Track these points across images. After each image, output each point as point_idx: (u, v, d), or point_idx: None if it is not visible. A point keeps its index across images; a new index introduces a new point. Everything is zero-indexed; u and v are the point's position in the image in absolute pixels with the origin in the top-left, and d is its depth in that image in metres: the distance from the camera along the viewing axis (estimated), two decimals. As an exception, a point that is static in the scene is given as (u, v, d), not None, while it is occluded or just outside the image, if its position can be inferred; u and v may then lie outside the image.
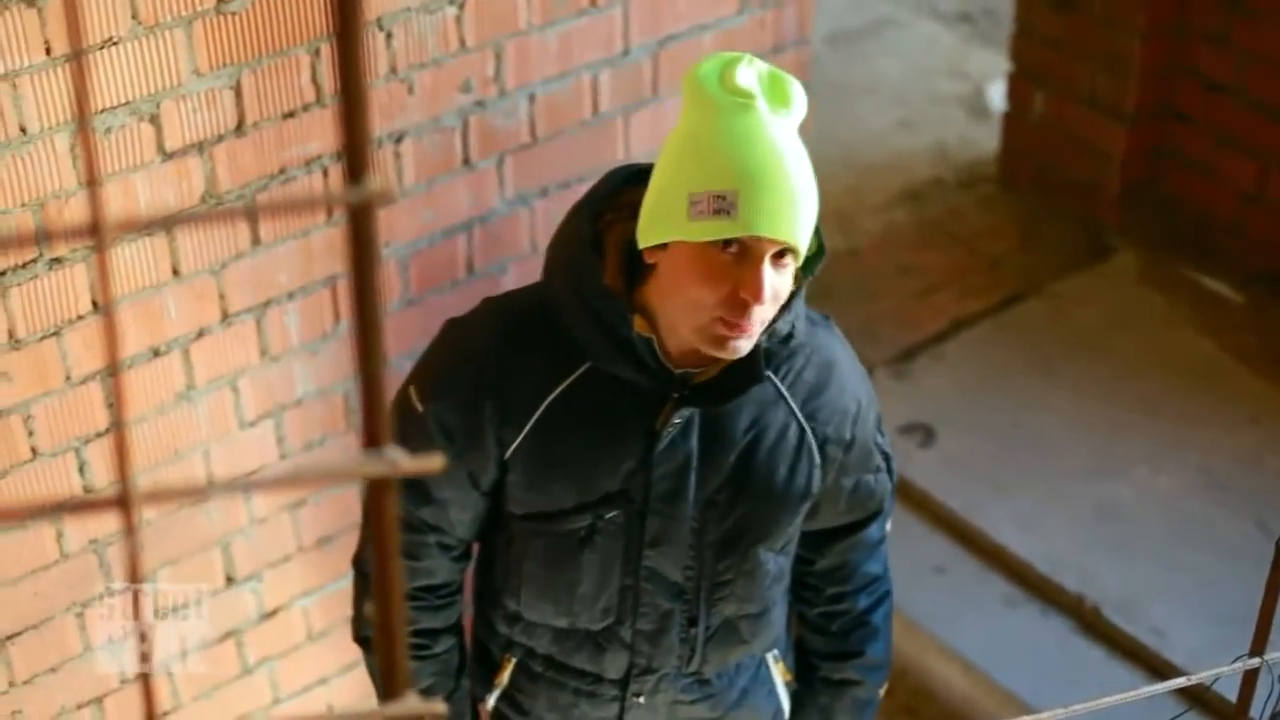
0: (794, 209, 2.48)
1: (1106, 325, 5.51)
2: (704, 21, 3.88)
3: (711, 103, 2.52)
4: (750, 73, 2.52)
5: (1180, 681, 2.25)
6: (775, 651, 3.12)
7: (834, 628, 3.12)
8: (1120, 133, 5.79)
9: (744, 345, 2.58)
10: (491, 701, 3.12)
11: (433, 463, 1.02)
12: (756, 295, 2.49)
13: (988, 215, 6.13)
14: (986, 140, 6.50)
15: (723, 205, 2.47)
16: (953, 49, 7.40)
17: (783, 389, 2.78)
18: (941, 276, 5.79)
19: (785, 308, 2.64)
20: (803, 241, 2.52)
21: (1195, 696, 3.83)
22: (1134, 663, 4.45)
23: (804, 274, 2.67)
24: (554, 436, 2.75)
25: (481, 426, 2.76)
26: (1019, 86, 6.12)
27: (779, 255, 2.51)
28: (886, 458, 2.99)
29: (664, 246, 2.56)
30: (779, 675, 3.13)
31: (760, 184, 2.47)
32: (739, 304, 2.51)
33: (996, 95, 6.65)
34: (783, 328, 2.66)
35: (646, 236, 2.58)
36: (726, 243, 2.49)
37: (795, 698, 3.20)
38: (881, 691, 3.20)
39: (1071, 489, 4.91)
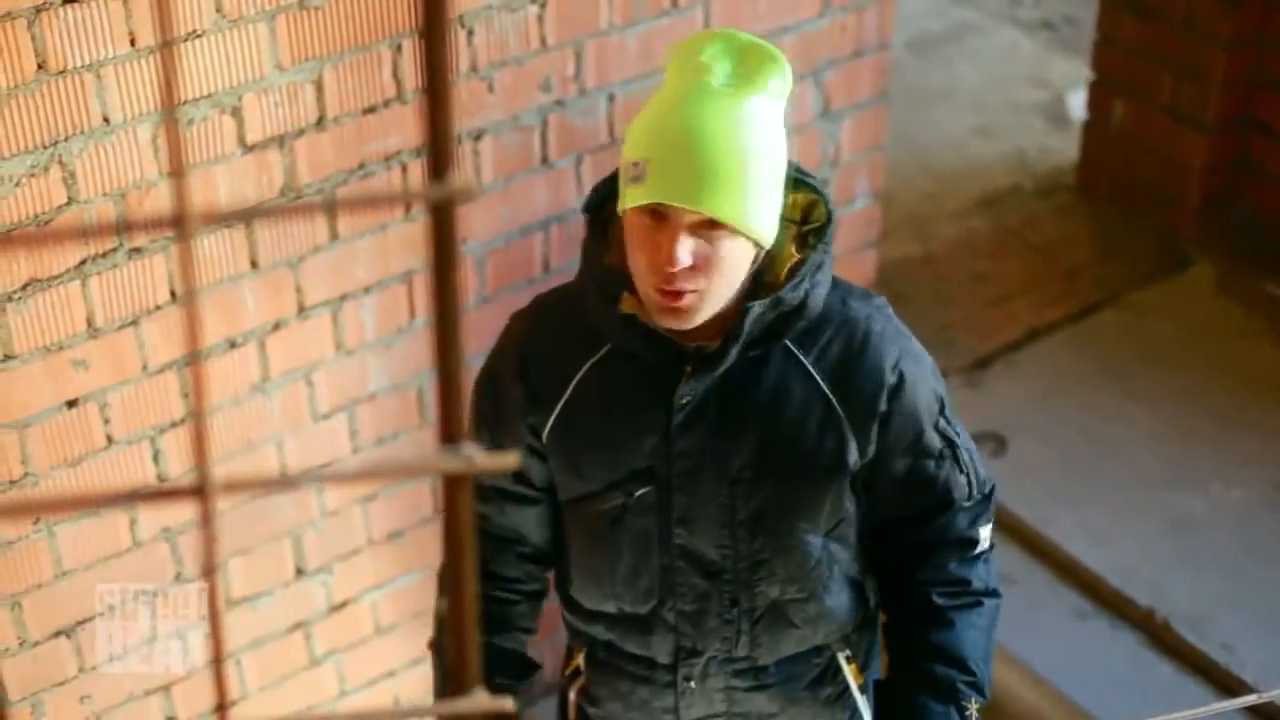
0: (712, 178, 2.50)
1: (1183, 337, 5.47)
2: (785, 24, 3.88)
3: (672, 76, 2.58)
4: (717, 48, 2.55)
5: (1251, 699, 2.24)
6: (848, 652, 3.04)
7: (912, 613, 2.95)
8: (1201, 143, 5.74)
9: (688, 317, 2.61)
10: (573, 695, 3.15)
11: (509, 459, 1.02)
12: (668, 260, 2.53)
13: (1065, 224, 6.09)
14: (1066, 149, 6.46)
15: (637, 172, 2.54)
16: (1033, 56, 7.36)
17: (806, 362, 2.74)
18: (1017, 285, 5.76)
19: (792, 276, 2.65)
20: (729, 213, 2.52)
21: (1266, 714, 3.80)
22: (1204, 678, 4.41)
23: (816, 241, 2.69)
24: (581, 417, 2.80)
25: (513, 414, 2.84)
26: (1099, 95, 6.08)
27: (708, 225, 2.54)
28: (952, 446, 2.86)
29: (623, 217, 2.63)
30: (851, 677, 3.03)
31: (672, 151, 2.51)
32: (660, 270, 2.55)
33: (1076, 103, 6.61)
34: (791, 298, 2.65)
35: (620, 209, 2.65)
36: (651, 210, 2.54)
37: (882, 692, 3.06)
38: (973, 705, 2.94)
39: (1144, 501, 4.87)
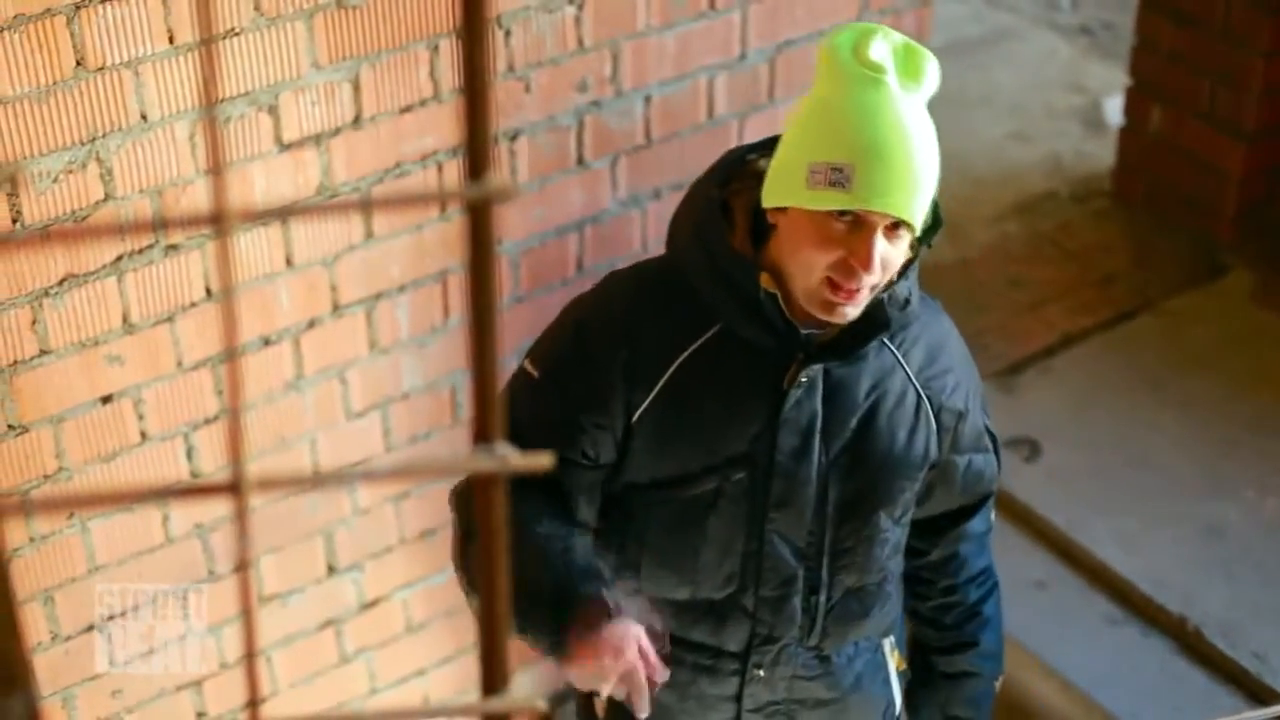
0: (910, 185, 2.55)
1: (1218, 345, 5.45)
2: (822, 27, 3.87)
3: (842, 73, 2.59)
4: (884, 46, 2.58)
5: (1283, 708, 2.23)
6: (891, 639, 3.15)
7: (948, 620, 3.17)
8: (1239, 150, 5.71)
9: (851, 311, 2.65)
10: None
11: (542, 460, 1.02)
12: (866, 265, 2.57)
13: (1101, 230, 6.07)
14: (1102, 154, 6.44)
15: (839, 178, 2.55)
16: (1071, 62, 7.34)
17: (899, 356, 2.84)
18: (1052, 290, 5.74)
19: (902, 275, 2.71)
20: (918, 216, 2.58)
21: (1297, 723, 3.78)
22: (1235, 687, 4.40)
23: (920, 244, 2.74)
24: (682, 399, 2.79)
25: (611, 390, 2.80)
26: (1137, 101, 6.05)
27: (893, 226, 2.58)
28: (993, 438, 3.04)
29: (784, 209, 2.64)
30: (893, 664, 3.16)
31: (878, 159, 2.54)
32: (848, 270, 2.59)
33: (1113, 109, 6.58)
34: (901, 292, 2.73)
35: (769, 198, 2.66)
36: (841, 212, 2.56)
37: (911, 695, 3.25)
38: (998, 683, 3.24)
39: (1177, 509, 4.85)
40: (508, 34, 3.40)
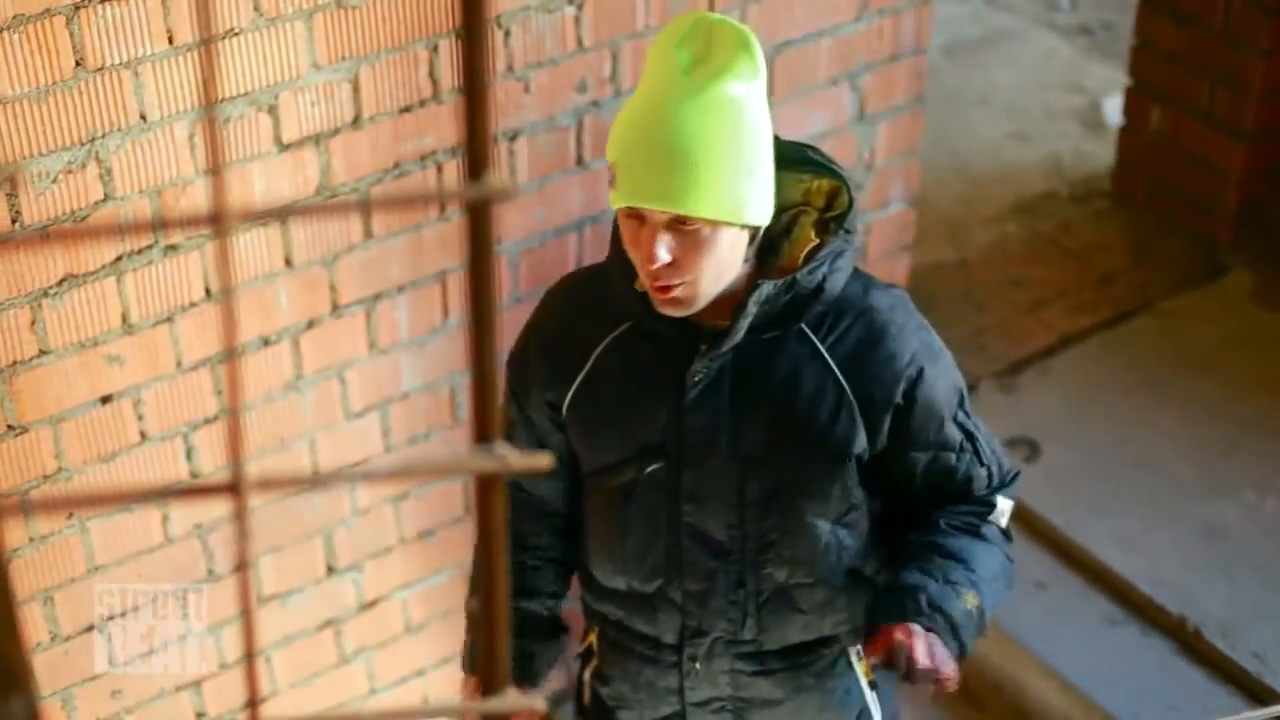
0: (671, 176, 2.54)
1: (1218, 345, 5.45)
2: (821, 28, 3.87)
3: (648, 66, 2.63)
4: (685, 34, 2.58)
5: (1282, 708, 2.23)
6: (859, 647, 3.05)
7: (918, 530, 2.92)
8: (1239, 150, 5.71)
9: (685, 306, 2.67)
10: (586, 675, 3.21)
11: (541, 460, 1.02)
12: (647, 259, 2.60)
13: (1100, 230, 6.07)
14: (1102, 154, 6.44)
15: (611, 175, 2.62)
16: (1070, 62, 7.34)
17: (822, 348, 2.78)
18: (1052, 291, 5.74)
19: (810, 260, 2.70)
20: (692, 207, 2.56)
21: (1296, 723, 3.78)
22: (1234, 687, 4.40)
23: (837, 228, 2.73)
24: (598, 391, 2.86)
25: (531, 385, 2.92)
26: (1136, 101, 6.05)
27: (679, 220, 2.59)
28: (972, 439, 2.88)
29: None
30: (862, 674, 3.07)
31: (635, 154, 2.57)
32: (644, 268, 2.63)
33: (1113, 109, 6.58)
34: (807, 281, 2.70)
35: None
36: (630, 211, 2.62)
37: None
38: (971, 596, 2.82)
39: (1177, 509, 4.86)
40: (507, 34, 3.40)
